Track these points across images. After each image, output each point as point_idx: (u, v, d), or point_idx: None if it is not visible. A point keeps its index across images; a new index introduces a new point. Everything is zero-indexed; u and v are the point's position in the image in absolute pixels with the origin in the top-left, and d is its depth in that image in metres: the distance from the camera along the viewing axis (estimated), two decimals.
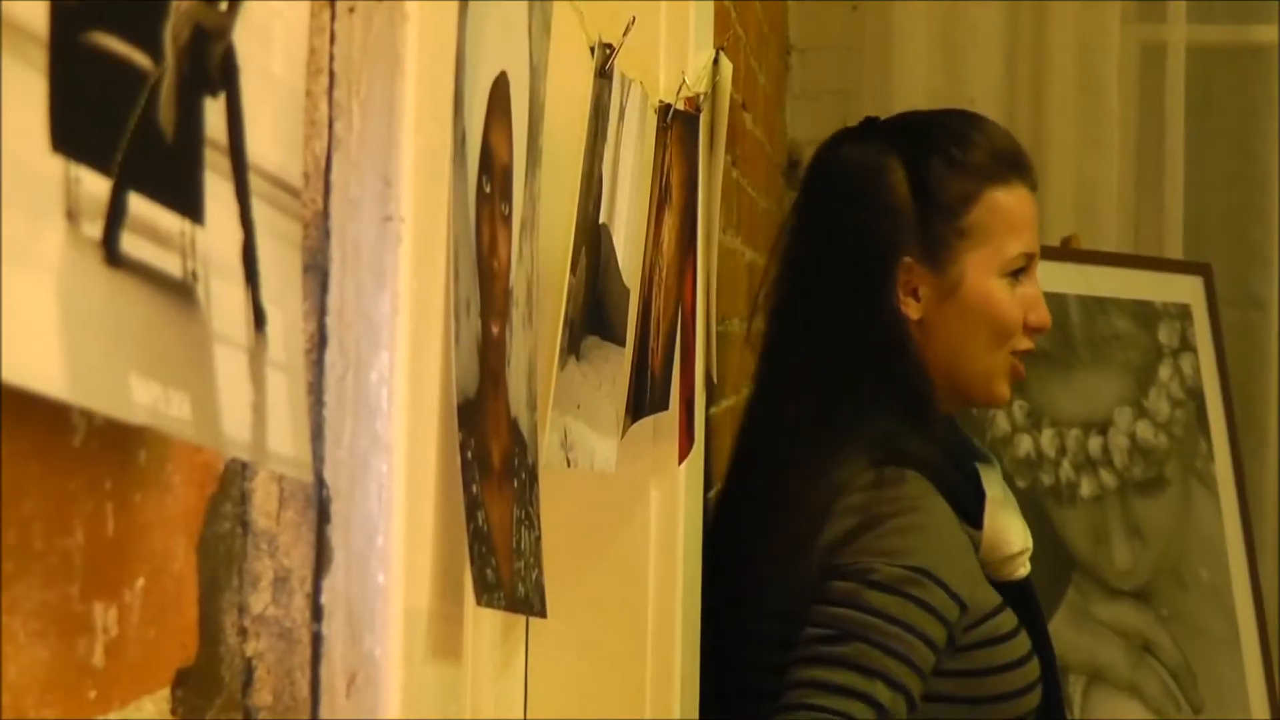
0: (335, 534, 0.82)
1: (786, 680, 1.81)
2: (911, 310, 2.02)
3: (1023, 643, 1.95)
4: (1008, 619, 1.94)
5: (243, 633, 0.76)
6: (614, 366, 1.41)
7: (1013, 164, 2.07)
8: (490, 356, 0.96)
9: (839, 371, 1.99)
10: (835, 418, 1.97)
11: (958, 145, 2.04)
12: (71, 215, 0.55)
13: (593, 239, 1.32)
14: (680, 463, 1.78)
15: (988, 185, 2.03)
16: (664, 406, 1.65)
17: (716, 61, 1.85)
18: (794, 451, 1.97)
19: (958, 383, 2.04)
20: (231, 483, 0.74)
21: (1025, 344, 2.07)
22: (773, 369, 2.09)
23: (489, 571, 0.94)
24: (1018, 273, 2.04)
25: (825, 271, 2.05)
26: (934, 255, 2.01)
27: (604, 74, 1.29)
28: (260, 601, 0.78)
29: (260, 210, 0.69)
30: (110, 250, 0.57)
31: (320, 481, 0.81)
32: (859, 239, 2.03)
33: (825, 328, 2.02)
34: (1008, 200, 2.04)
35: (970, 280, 2.02)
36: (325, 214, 0.82)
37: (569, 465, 1.29)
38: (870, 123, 2.14)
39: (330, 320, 0.82)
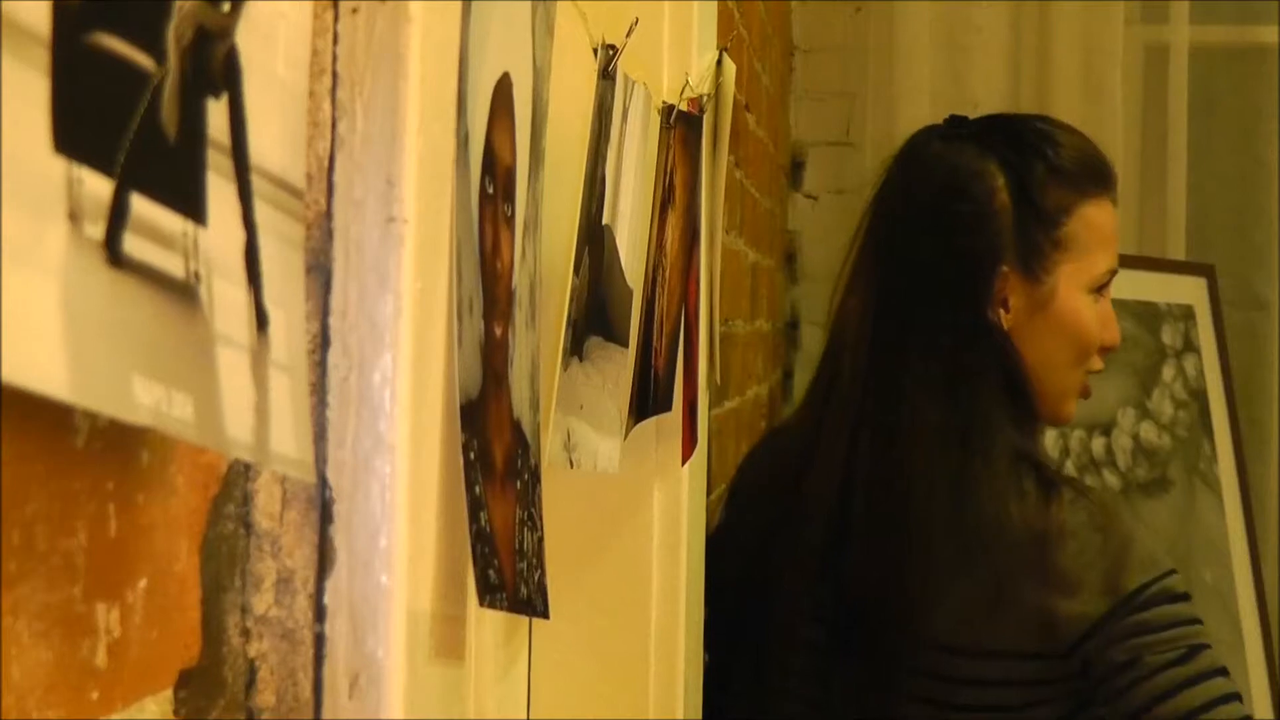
0: (338, 535, 0.82)
1: (1159, 713, 1.84)
2: (1003, 321, 1.97)
3: None
4: None
5: (245, 633, 0.76)
6: (617, 367, 1.41)
7: (1104, 178, 2.04)
8: (493, 357, 0.96)
9: (955, 383, 1.94)
10: (967, 435, 1.92)
11: (1056, 153, 2.00)
12: (74, 216, 0.55)
13: (596, 240, 1.32)
14: (683, 464, 1.78)
15: (1082, 198, 2.00)
16: (667, 407, 1.65)
17: (720, 62, 1.85)
18: (936, 482, 1.92)
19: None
20: (234, 484, 0.74)
21: (1098, 364, 2.04)
22: (864, 382, 1.99)
23: (492, 572, 0.94)
24: (1100, 289, 2.02)
25: (923, 277, 1.99)
26: (1030, 265, 1.97)
27: (607, 75, 1.29)
28: (263, 602, 0.78)
29: (263, 211, 0.69)
30: (112, 251, 0.57)
31: (323, 482, 0.81)
32: (958, 245, 1.97)
33: (928, 336, 1.96)
34: (1099, 215, 2.01)
35: (1062, 295, 1.98)
36: (328, 215, 0.82)
37: (572, 466, 1.29)
38: (959, 121, 2.08)
39: (333, 321, 0.82)
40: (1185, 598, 1.89)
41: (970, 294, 1.96)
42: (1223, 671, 1.87)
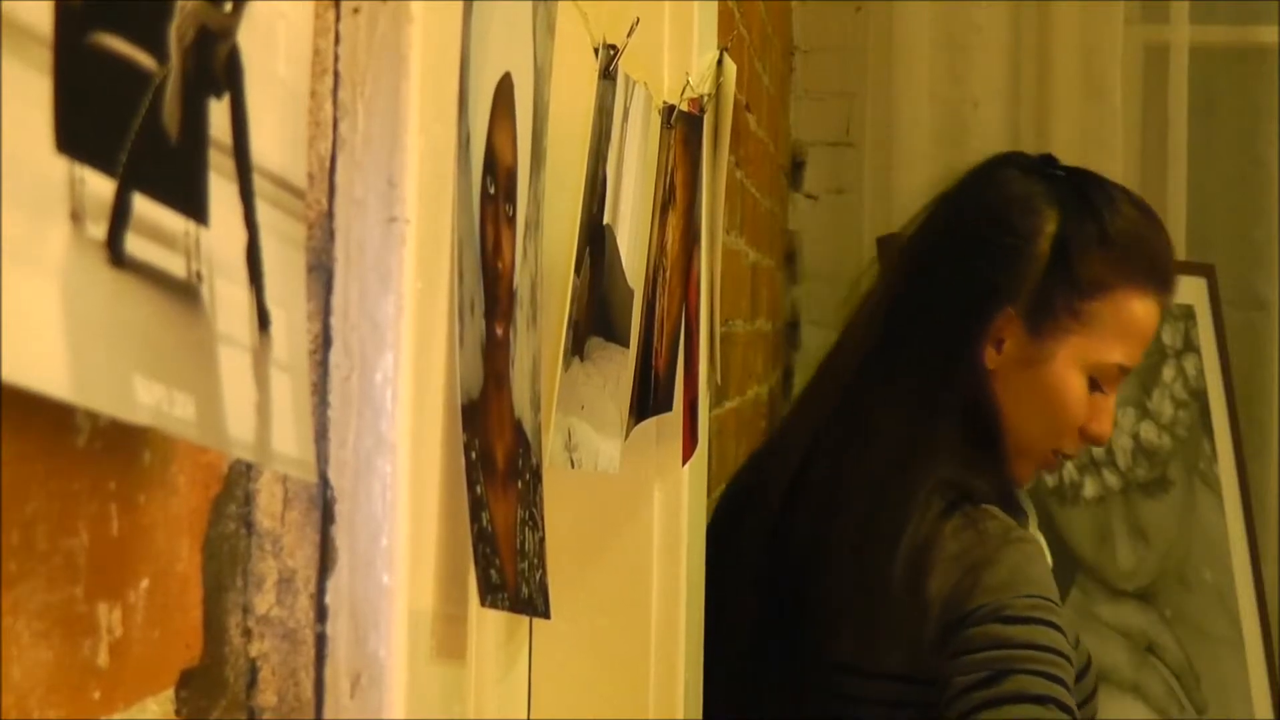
0: (339, 535, 0.82)
1: None
2: (989, 359, 1.93)
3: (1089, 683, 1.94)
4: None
5: (247, 633, 0.76)
6: (618, 367, 1.41)
7: (1161, 277, 1.97)
8: (494, 357, 0.96)
9: (921, 406, 1.92)
10: (907, 467, 1.89)
11: (1113, 220, 1.94)
12: (76, 216, 0.55)
13: (597, 240, 1.32)
14: (684, 464, 1.78)
15: (1127, 284, 1.94)
16: (668, 407, 1.65)
17: (720, 62, 1.85)
18: (866, 505, 1.90)
19: None
20: (236, 483, 0.74)
21: (1071, 447, 1.99)
22: (845, 384, 1.99)
23: (493, 572, 0.94)
24: (1106, 380, 1.96)
25: (935, 289, 1.97)
26: (1037, 320, 1.93)
27: (608, 75, 1.29)
28: (264, 602, 0.78)
29: (264, 211, 0.69)
30: (114, 251, 0.57)
31: (324, 482, 0.81)
32: (978, 268, 1.95)
33: (916, 357, 1.94)
34: (1138, 309, 1.95)
35: (1058, 364, 1.93)
36: (330, 215, 0.82)
37: (573, 466, 1.29)
38: (1049, 160, 2.04)
39: (334, 321, 0.82)
40: (1026, 621, 1.77)
41: (969, 320, 1.94)
42: (1038, 699, 1.72)
